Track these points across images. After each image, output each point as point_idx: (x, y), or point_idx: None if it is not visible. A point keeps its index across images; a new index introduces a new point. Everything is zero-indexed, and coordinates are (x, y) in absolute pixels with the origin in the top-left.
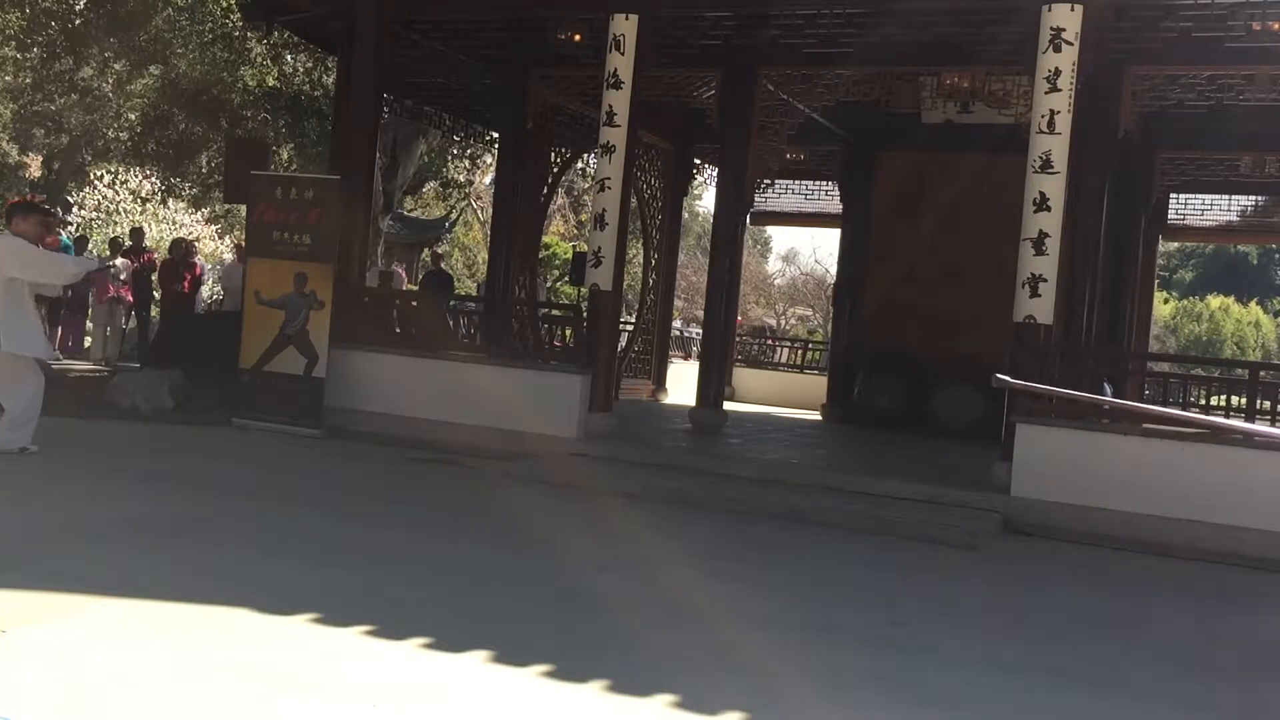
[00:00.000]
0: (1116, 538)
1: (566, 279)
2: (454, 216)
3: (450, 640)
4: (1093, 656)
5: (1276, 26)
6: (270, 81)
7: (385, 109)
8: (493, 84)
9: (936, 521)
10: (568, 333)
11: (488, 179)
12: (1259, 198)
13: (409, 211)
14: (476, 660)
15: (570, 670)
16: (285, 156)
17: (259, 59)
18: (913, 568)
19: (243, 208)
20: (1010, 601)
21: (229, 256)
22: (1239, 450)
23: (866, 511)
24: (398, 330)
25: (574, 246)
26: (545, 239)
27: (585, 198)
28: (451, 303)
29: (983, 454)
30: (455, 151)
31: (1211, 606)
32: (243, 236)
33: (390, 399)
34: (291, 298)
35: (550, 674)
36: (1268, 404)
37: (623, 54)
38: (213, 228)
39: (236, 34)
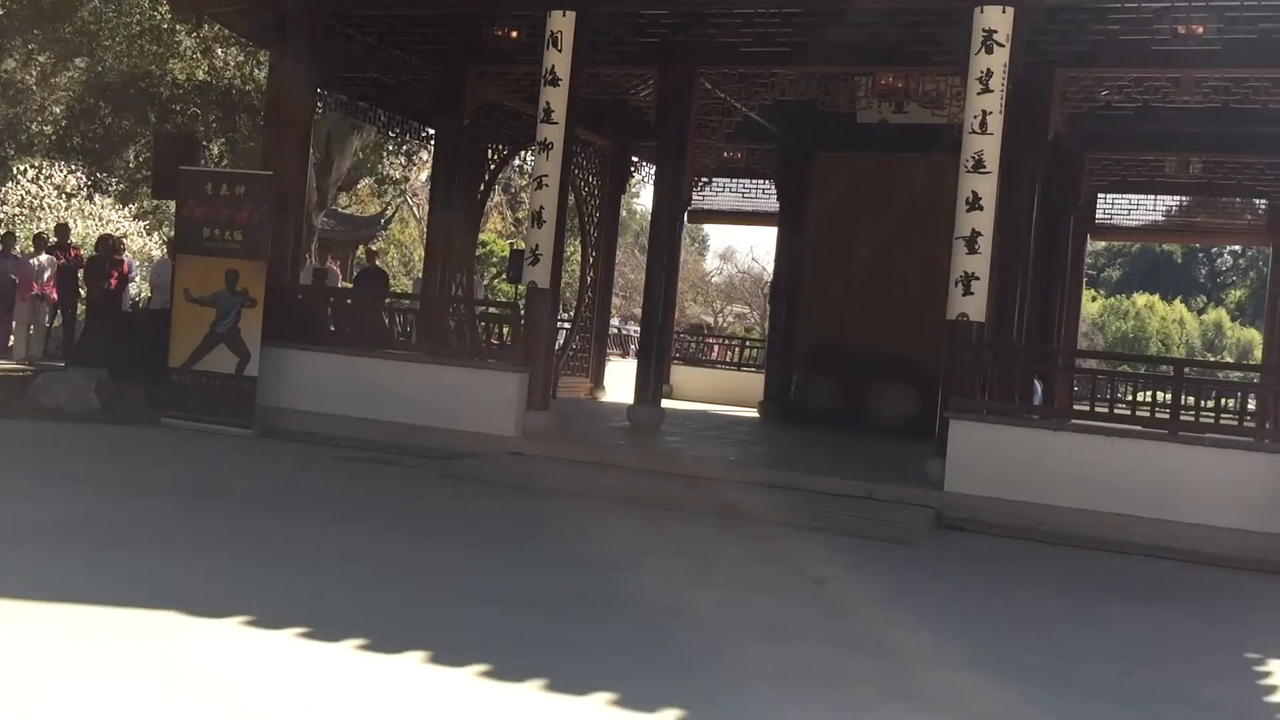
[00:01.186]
0: (1049, 532)
1: (504, 276)
2: (389, 213)
3: (387, 641)
4: (1024, 649)
5: (1200, 30)
6: (200, 75)
7: (319, 104)
8: (429, 80)
9: (872, 517)
10: (505, 331)
11: (424, 175)
12: (1183, 198)
13: (344, 208)
14: (414, 661)
15: (508, 670)
16: (216, 152)
17: (188, 52)
18: (848, 564)
19: (172, 204)
20: (945, 596)
21: (157, 253)
22: (1166, 445)
23: (803, 508)
24: (332, 328)
25: (511, 244)
26: (482, 236)
27: (523, 195)
28: (387, 300)
29: (918, 450)
30: (391, 148)
31: (1142, 600)
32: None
33: (325, 398)
34: (223, 295)
35: (488, 674)
36: (1191, 400)
37: (560, 51)
38: (141, 224)
39: (165, 26)
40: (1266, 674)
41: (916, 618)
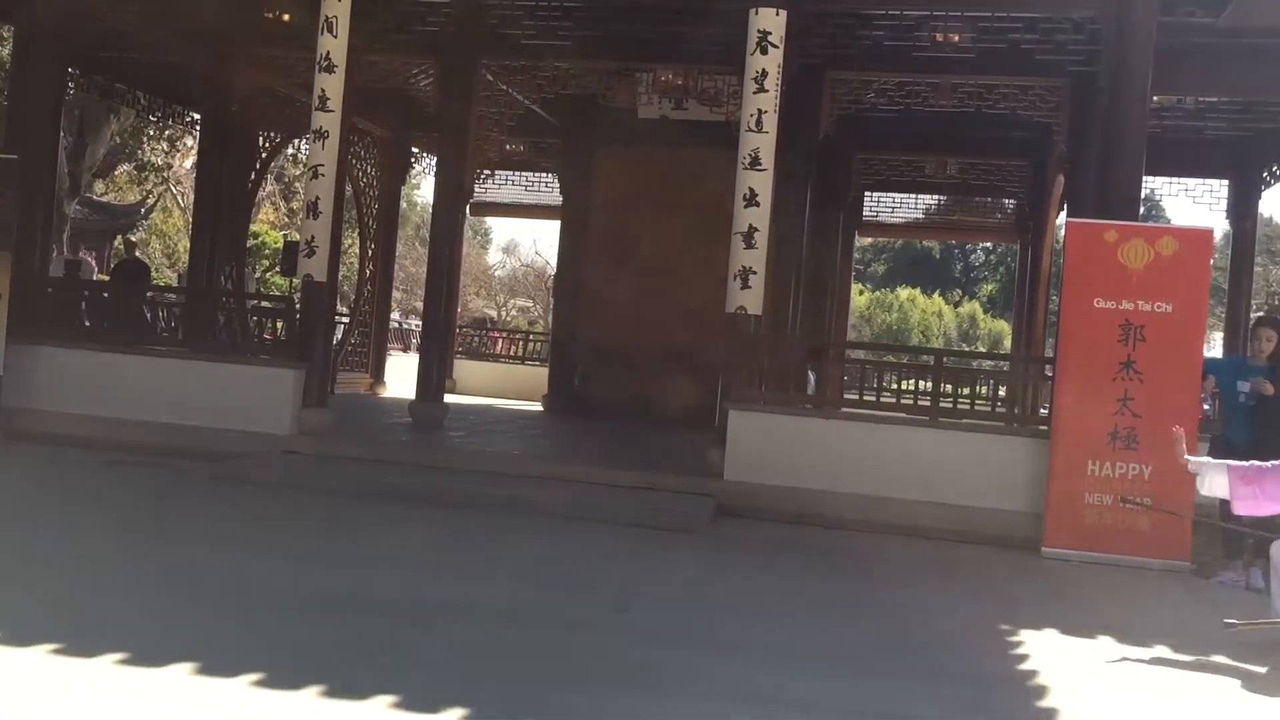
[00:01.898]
0: (823, 516)
1: (277, 269)
2: (151, 202)
3: (151, 654)
4: (789, 629)
5: (956, 39)
6: None
7: (71, 84)
8: (194, 62)
9: (654, 507)
10: (279, 325)
11: (189, 162)
12: (941, 198)
13: (99, 196)
14: (181, 673)
15: (284, 677)
16: None
17: None
18: (631, 554)
19: None
20: (721, 582)
21: None
22: (927, 431)
23: (587, 500)
24: (87, 324)
25: (285, 235)
26: (254, 227)
27: (297, 185)
28: (149, 294)
29: (700, 440)
30: (152, 132)
31: (906, 579)
32: None
33: (81, 398)
34: None
35: (262, 682)
36: (950, 388)
37: (335, 37)
38: None
39: None
40: (1019, 644)
41: (688, 603)
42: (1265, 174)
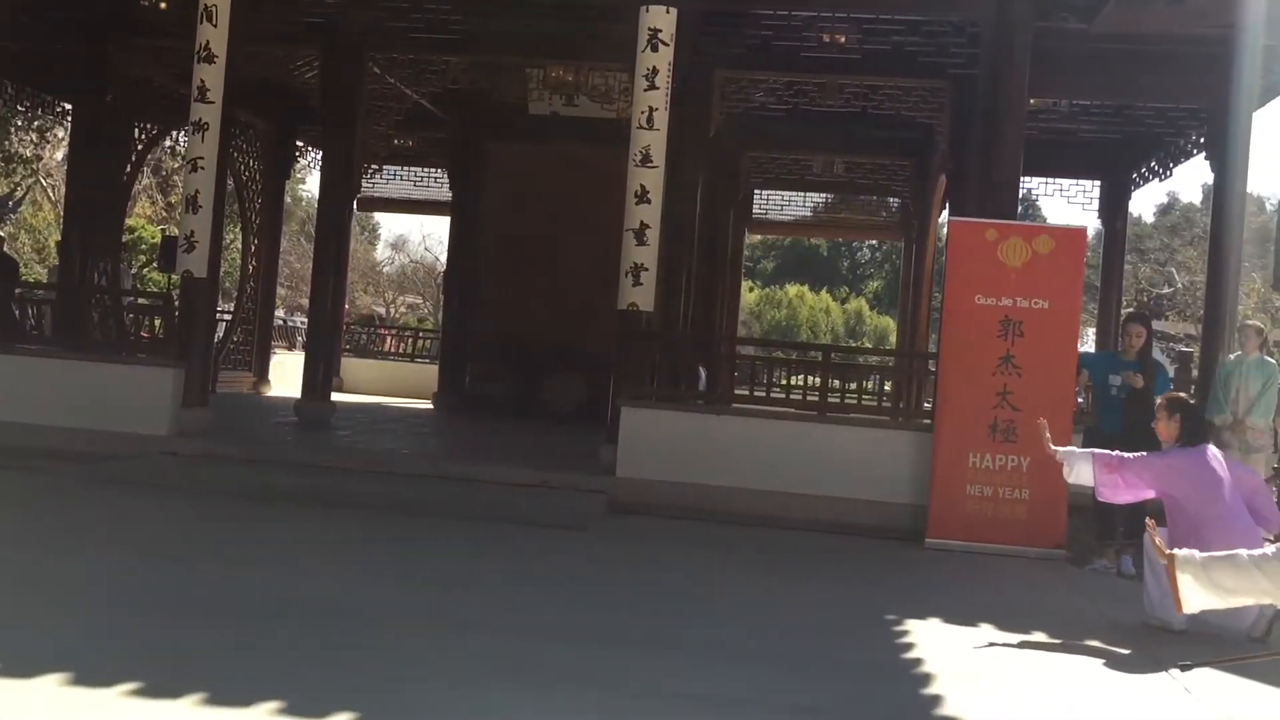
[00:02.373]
0: (715, 511)
1: (155, 265)
2: (20, 195)
3: (19, 663)
4: (682, 625)
5: (842, 39)
6: None
7: None
8: (65, 50)
9: (547, 505)
10: (157, 323)
11: (60, 154)
12: (828, 196)
13: None
14: (51, 684)
15: (163, 685)
16: None
17: None
18: (524, 552)
19: None
20: (614, 579)
21: None
22: (816, 426)
23: (478, 498)
24: None
25: (163, 230)
26: (130, 222)
27: (176, 178)
28: (18, 290)
29: (592, 437)
30: (20, 122)
31: (793, 571)
32: None
33: None
34: None
35: (139, 691)
36: (838, 383)
37: (215, 26)
38: None
39: None
40: (904, 633)
41: (580, 601)
42: (1135, 175)
